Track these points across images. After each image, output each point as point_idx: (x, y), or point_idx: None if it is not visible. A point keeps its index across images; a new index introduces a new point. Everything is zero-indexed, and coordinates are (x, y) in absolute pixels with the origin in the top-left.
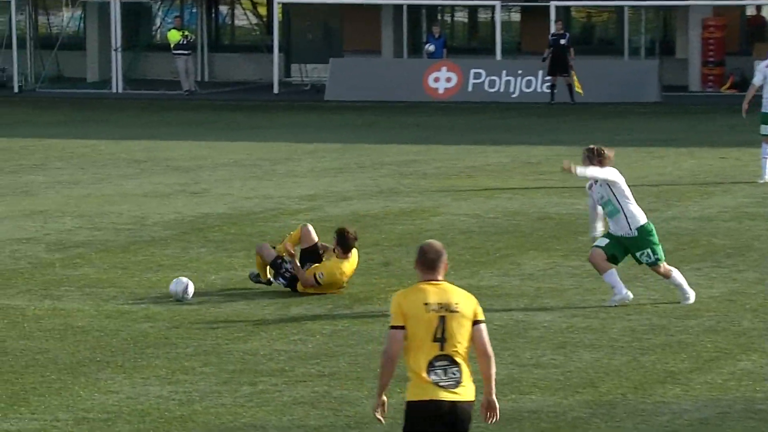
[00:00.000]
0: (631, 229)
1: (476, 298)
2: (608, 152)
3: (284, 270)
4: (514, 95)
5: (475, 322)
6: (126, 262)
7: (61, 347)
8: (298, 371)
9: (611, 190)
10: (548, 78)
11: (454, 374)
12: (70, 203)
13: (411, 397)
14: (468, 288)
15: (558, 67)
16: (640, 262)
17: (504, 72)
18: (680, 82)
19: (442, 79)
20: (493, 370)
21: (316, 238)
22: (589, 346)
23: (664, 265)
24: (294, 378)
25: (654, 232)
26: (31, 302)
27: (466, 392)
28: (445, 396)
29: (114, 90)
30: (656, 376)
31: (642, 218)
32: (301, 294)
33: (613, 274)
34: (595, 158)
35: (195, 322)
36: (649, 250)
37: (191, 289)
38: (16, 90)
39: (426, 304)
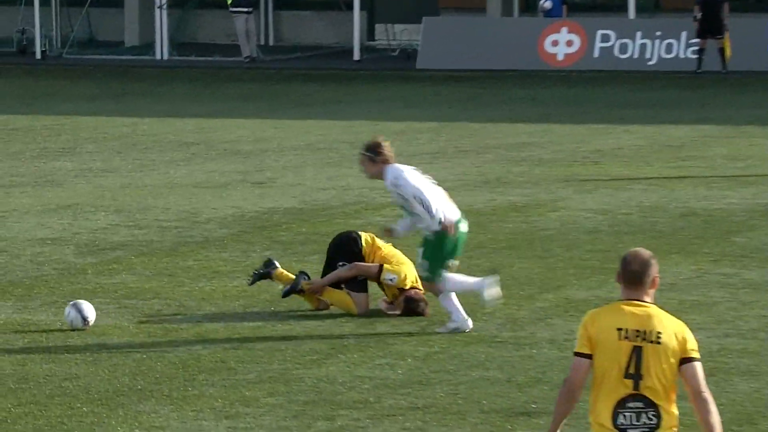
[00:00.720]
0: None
1: None
2: (385, 143)
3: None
4: (650, 62)
5: (685, 360)
6: (173, 268)
7: (94, 373)
8: (385, 403)
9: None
10: (696, 41)
11: (650, 419)
12: (105, 195)
13: None
14: (595, 301)
15: (711, 27)
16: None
17: (638, 34)
18: None
19: (561, 43)
20: (716, 418)
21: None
22: (746, 374)
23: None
24: (380, 411)
25: (453, 243)
26: (58, 317)
27: None
28: None
29: (158, 56)
30: None
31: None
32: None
33: (450, 297)
34: (377, 157)
35: (258, 342)
36: (428, 262)
37: (91, 315)
38: (38, 56)
39: (619, 329)
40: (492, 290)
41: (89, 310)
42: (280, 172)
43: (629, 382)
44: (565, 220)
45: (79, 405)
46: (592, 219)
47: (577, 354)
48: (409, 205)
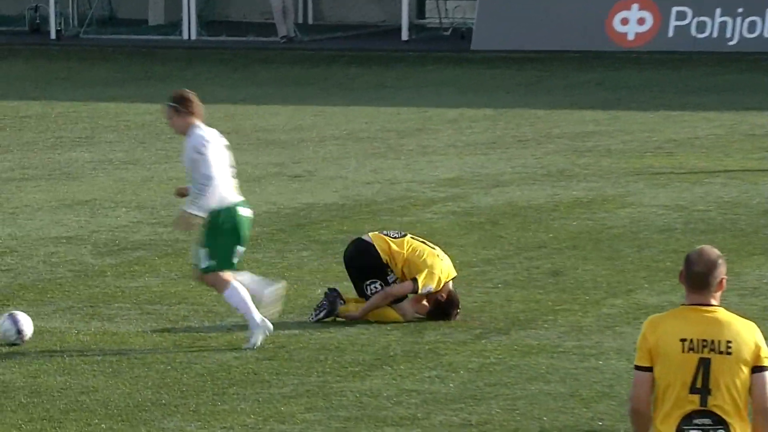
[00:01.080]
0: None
1: None
2: (195, 98)
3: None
4: (731, 42)
5: (756, 369)
6: None
7: (114, 385)
8: (434, 419)
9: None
10: None
11: None
12: (126, 190)
13: None
14: (668, 306)
15: None
16: None
17: (718, 11)
18: None
19: (632, 21)
20: None
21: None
22: None
23: (217, 276)
24: (429, 429)
25: (230, 223)
26: (73, 324)
27: None
28: None
29: (185, 36)
30: None
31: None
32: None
33: (235, 291)
34: (184, 109)
35: (295, 352)
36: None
37: (27, 328)
38: (53, 36)
39: (683, 339)
40: (272, 298)
41: (26, 323)
42: (319, 164)
43: (695, 398)
44: (636, 218)
45: (96, 421)
46: (665, 216)
47: (637, 368)
48: (197, 175)
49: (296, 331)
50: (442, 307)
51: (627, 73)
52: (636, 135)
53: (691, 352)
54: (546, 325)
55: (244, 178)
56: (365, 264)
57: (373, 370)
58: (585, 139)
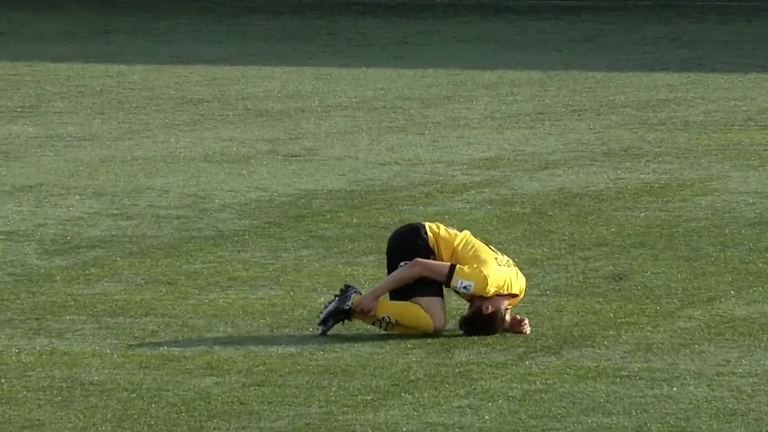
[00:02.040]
0: None
1: None
2: None
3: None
4: None
5: None
6: (174, 274)
7: (65, 418)
8: None
9: None
10: None
11: None
12: (81, 173)
13: None
14: (761, 319)
15: None
16: None
17: None
18: None
19: None
20: None
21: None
22: None
23: None
24: None
25: None
26: (14, 341)
27: None
28: None
29: None
30: None
31: None
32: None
33: None
34: None
35: (291, 376)
36: None
37: None
38: None
39: None
40: None
41: None
42: (322, 141)
43: None
44: (720, 208)
45: None
46: (757, 206)
47: None
48: None
49: (293, 350)
50: (480, 321)
51: (709, 26)
52: (721, 104)
53: None
54: (606, 343)
55: (229, 158)
56: (407, 245)
57: (389, 398)
58: (656, 108)
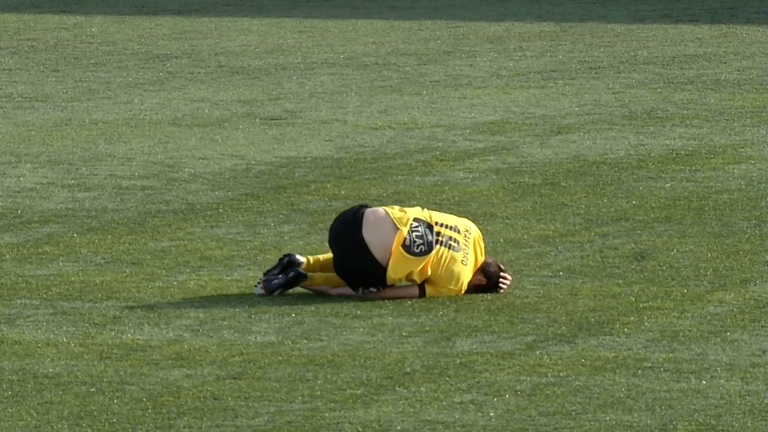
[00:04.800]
0: None
1: None
2: None
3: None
4: None
5: None
6: (138, 252)
7: (16, 415)
8: None
9: None
10: None
11: None
12: (33, 138)
13: None
14: None
15: None
16: None
17: None
18: None
19: None
20: None
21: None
22: None
23: None
24: None
25: None
26: None
27: None
28: None
29: None
30: None
31: None
32: (470, 307)
33: None
34: None
35: (271, 368)
36: None
37: None
38: None
39: None
40: None
41: None
42: (306, 102)
43: None
44: (755, 178)
45: None
46: None
47: None
48: None
49: (273, 339)
50: (486, 288)
51: None
52: (756, 60)
53: None
54: (627, 330)
55: (200, 121)
56: (357, 272)
57: (381, 393)
58: (683, 65)
